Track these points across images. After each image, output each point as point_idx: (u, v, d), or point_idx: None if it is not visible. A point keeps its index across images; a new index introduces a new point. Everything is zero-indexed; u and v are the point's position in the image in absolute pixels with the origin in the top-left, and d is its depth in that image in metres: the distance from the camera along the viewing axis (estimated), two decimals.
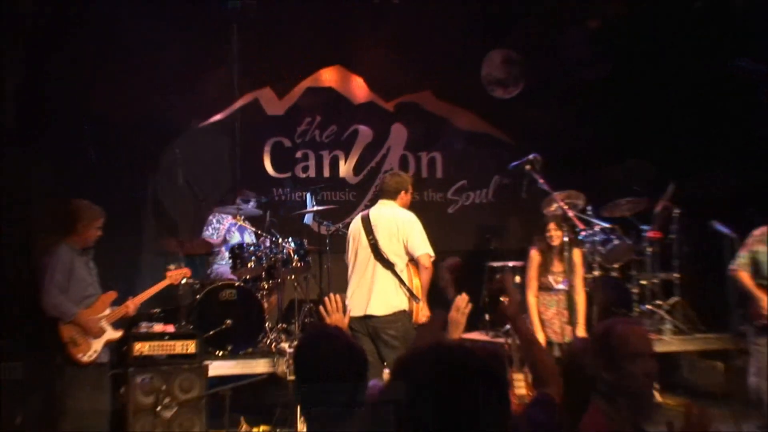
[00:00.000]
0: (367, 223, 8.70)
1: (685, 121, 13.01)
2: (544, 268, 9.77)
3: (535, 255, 9.79)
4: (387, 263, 8.48)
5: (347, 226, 10.93)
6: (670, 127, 13.15)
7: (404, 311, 8.44)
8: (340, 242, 10.75)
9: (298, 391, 3.97)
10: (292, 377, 9.27)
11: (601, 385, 4.18)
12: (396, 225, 8.56)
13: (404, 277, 8.48)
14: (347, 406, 3.61)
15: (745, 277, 9.00)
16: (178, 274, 9.28)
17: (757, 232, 9.06)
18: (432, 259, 8.49)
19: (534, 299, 9.69)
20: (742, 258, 9.07)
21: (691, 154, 12.59)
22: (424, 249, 8.47)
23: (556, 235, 9.62)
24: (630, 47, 13.04)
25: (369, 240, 8.56)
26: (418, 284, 8.53)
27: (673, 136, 13.07)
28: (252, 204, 11.18)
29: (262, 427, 9.69)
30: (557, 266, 9.67)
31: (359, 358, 3.96)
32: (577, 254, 9.79)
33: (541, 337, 9.22)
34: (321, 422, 3.71)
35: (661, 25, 12.56)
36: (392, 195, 8.82)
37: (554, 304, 9.63)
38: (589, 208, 11.01)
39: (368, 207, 9.80)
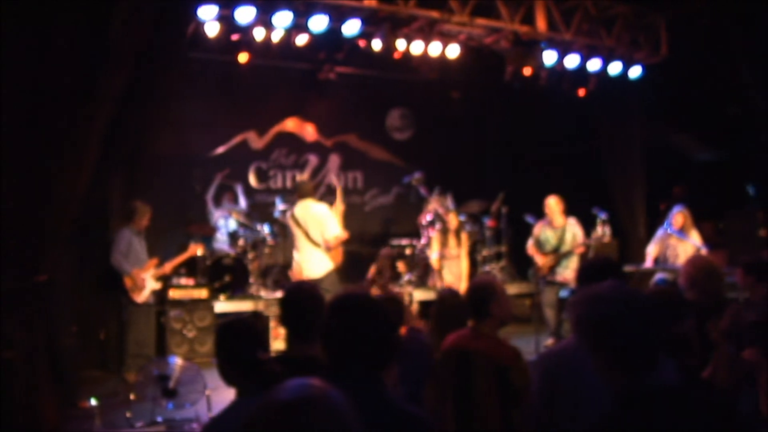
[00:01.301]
0: (294, 218, 8.67)
1: (507, 152, 13.61)
2: (443, 244, 9.88)
3: (435, 235, 9.93)
4: (315, 242, 8.49)
5: None
6: (499, 160, 13.80)
7: (331, 271, 8.59)
8: None
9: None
10: (267, 312, 9.58)
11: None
12: (318, 216, 8.53)
13: (323, 248, 8.48)
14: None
15: (531, 249, 9.44)
16: (195, 248, 9.42)
17: (537, 225, 9.51)
18: (339, 238, 8.51)
19: (437, 263, 9.85)
20: (530, 239, 9.53)
21: (512, 173, 13.28)
22: (333, 231, 8.46)
23: (451, 222, 9.91)
24: (476, 111, 13.67)
25: (301, 229, 8.59)
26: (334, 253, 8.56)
27: (500, 165, 13.66)
28: (243, 203, 11.27)
29: None
30: (452, 242, 9.88)
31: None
32: (465, 236, 10.06)
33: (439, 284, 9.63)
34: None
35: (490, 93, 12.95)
36: (310, 194, 8.85)
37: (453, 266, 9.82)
38: (452, 205, 10.58)
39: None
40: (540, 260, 9.36)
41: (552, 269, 9.25)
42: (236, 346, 3.06)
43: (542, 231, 9.44)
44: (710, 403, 2.38)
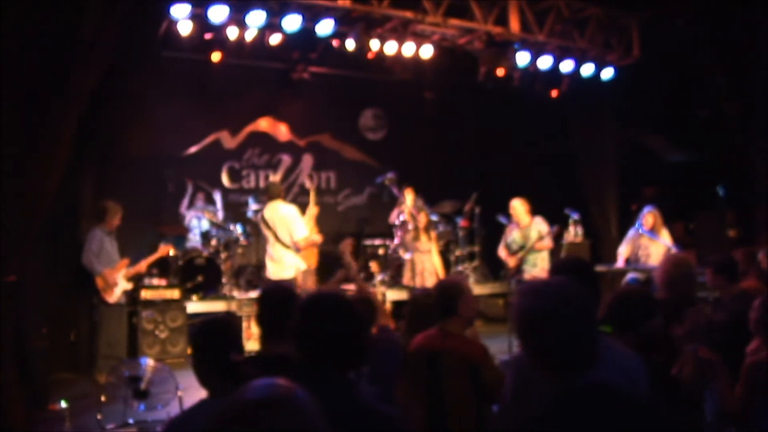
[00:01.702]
0: (264, 219, 8.60)
1: (480, 152, 13.72)
2: (415, 239, 9.95)
3: (409, 233, 9.99)
4: (284, 244, 8.43)
5: None
6: (472, 160, 13.89)
7: (302, 272, 8.62)
8: None
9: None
10: (240, 313, 9.52)
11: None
12: (285, 218, 8.46)
13: (293, 249, 8.44)
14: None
15: (502, 253, 9.50)
16: (166, 249, 9.35)
17: (507, 229, 9.53)
18: (308, 240, 8.59)
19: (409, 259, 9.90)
20: (502, 242, 9.55)
21: (485, 173, 13.35)
22: (301, 234, 8.42)
23: (422, 220, 9.96)
24: (450, 111, 13.69)
25: (270, 230, 8.50)
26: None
27: (473, 165, 13.73)
28: (202, 203, 11.21)
29: None
30: (423, 238, 9.95)
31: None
32: (433, 234, 10.17)
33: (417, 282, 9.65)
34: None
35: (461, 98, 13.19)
36: (279, 196, 8.73)
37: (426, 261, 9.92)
38: (425, 205, 10.72)
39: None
40: (508, 260, 9.41)
41: (519, 268, 9.29)
42: (210, 346, 3.05)
43: (511, 233, 9.49)
44: (643, 403, 2.26)
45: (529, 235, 9.21)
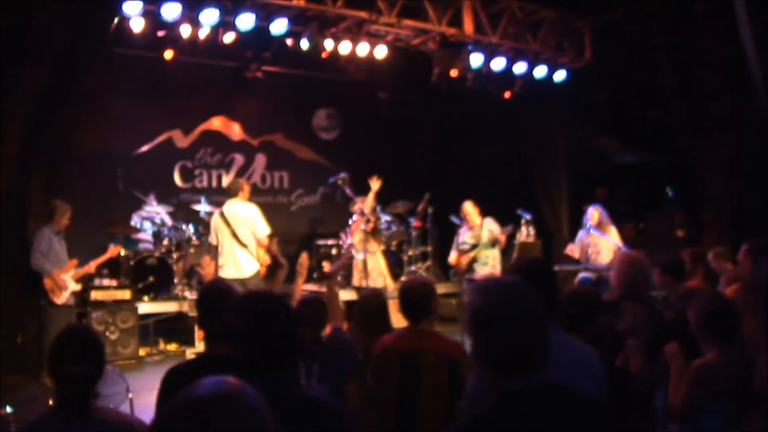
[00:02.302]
0: (224, 217, 8.53)
1: (433, 153, 13.77)
2: (365, 242, 9.83)
3: (357, 235, 9.92)
4: (242, 242, 8.42)
5: None
6: (425, 161, 13.89)
7: (257, 272, 8.48)
8: None
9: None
10: (192, 313, 9.41)
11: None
12: (247, 216, 8.49)
13: (253, 249, 8.43)
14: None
15: (451, 257, 9.63)
16: (116, 250, 9.26)
17: (459, 231, 9.59)
18: (269, 239, 8.48)
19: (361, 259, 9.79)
20: (453, 246, 9.62)
21: (438, 173, 13.42)
22: (264, 231, 8.47)
23: (372, 222, 9.80)
24: (403, 112, 13.60)
25: (229, 229, 8.45)
26: (262, 253, 8.49)
27: (426, 166, 13.72)
28: (154, 202, 11.04)
29: (173, 345, 9.85)
30: (371, 240, 9.86)
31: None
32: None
33: (365, 284, 9.54)
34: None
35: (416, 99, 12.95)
36: (236, 194, 8.69)
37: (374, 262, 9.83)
38: (378, 207, 10.80)
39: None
40: (458, 259, 9.49)
41: (470, 266, 9.37)
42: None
43: (462, 235, 9.57)
44: (587, 404, 2.21)
45: (480, 235, 9.30)
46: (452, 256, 9.62)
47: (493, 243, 9.28)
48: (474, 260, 9.30)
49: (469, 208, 9.46)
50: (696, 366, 3.69)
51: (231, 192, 8.80)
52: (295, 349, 2.61)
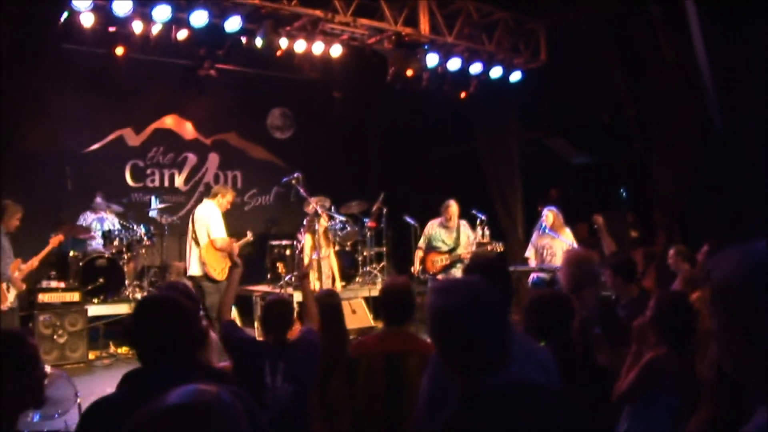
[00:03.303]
0: (192, 216, 8.83)
1: (388, 152, 13.82)
2: (314, 245, 9.82)
3: (308, 237, 9.97)
4: (196, 242, 8.59)
5: (180, 218, 11.12)
6: (380, 161, 13.99)
7: (204, 274, 8.51)
8: (174, 228, 10.97)
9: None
10: None
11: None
12: (204, 216, 8.67)
13: (204, 251, 8.52)
14: None
15: (418, 251, 9.64)
16: (57, 239, 9.00)
17: (429, 224, 9.62)
18: (224, 242, 8.48)
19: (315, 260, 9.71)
20: (421, 241, 9.65)
21: (392, 173, 13.45)
22: (217, 233, 8.57)
23: (323, 223, 9.90)
24: (358, 111, 13.75)
25: (191, 228, 8.74)
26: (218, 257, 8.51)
27: (381, 166, 13.87)
28: (103, 202, 10.76)
29: (124, 348, 9.62)
30: (323, 242, 9.87)
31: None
32: (331, 236, 10.27)
33: (318, 285, 9.37)
34: None
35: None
36: (211, 196, 8.94)
37: (324, 266, 9.83)
38: (332, 207, 11.11)
39: (194, 207, 9.71)
40: (436, 259, 9.46)
41: (446, 269, 9.41)
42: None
43: (435, 229, 9.56)
44: (558, 399, 2.21)
45: (459, 238, 9.37)
46: (419, 253, 9.62)
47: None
48: (451, 265, 9.36)
49: (455, 208, 9.50)
50: (651, 357, 3.75)
51: (210, 194, 9.00)
52: (193, 346, 2.75)
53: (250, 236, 9.58)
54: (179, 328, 2.68)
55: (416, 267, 9.61)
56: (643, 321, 3.91)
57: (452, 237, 9.47)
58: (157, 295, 3.06)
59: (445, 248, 9.47)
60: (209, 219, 8.61)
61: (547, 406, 2.12)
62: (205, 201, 8.92)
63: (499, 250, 9.56)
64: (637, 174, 10.74)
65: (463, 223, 9.52)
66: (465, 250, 9.44)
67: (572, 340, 3.74)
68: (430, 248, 9.61)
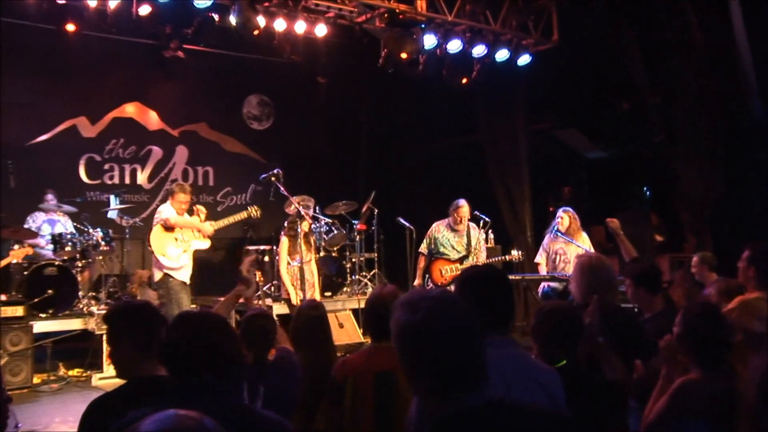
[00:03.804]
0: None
1: (379, 146, 13.78)
2: (293, 249, 9.59)
3: (285, 240, 9.71)
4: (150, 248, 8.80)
5: (143, 219, 11.06)
6: (370, 155, 13.87)
7: (163, 278, 8.72)
8: (136, 232, 10.79)
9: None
10: (100, 331, 9.13)
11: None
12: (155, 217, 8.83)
13: (158, 255, 8.73)
14: None
15: (421, 259, 9.37)
16: (21, 252, 9.00)
17: (434, 225, 9.34)
18: (177, 218, 8.80)
19: (286, 270, 9.56)
20: (422, 245, 9.36)
21: (384, 169, 13.31)
22: (167, 215, 8.77)
23: (304, 225, 9.50)
24: (346, 99, 13.55)
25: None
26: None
27: (371, 161, 13.82)
28: (53, 202, 10.57)
29: (76, 370, 9.43)
30: (303, 248, 9.48)
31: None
32: (313, 239, 10.00)
33: (294, 296, 9.32)
34: None
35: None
36: (169, 198, 8.99)
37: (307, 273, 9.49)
38: (317, 207, 10.93)
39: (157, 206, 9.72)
40: (444, 265, 9.22)
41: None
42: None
43: (442, 232, 9.29)
44: (541, 418, 2.22)
45: (470, 244, 9.16)
46: (421, 262, 9.40)
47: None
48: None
49: (466, 210, 9.23)
50: (681, 383, 3.64)
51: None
52: (235, 363, 2.72)
53: (252, 210, 9.50)
54: (227, 345, 2.71)
55: (419, 276, 9.35)
56: (670, 339, 3.80)
57: (462, 242, 9.21)
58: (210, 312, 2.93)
59: (455, 255, 9.20)
60: (155, 219, 8.79)
61: (530, 428, 2.14)
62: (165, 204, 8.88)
63: (517, 259, 9.34)
64: (659, 169, 10.62)
65: (472, 225, 9.30)
66: (478, 258, 9.18)
67: (577, 355, 3.70)
68: (436, 254, 9.34)
